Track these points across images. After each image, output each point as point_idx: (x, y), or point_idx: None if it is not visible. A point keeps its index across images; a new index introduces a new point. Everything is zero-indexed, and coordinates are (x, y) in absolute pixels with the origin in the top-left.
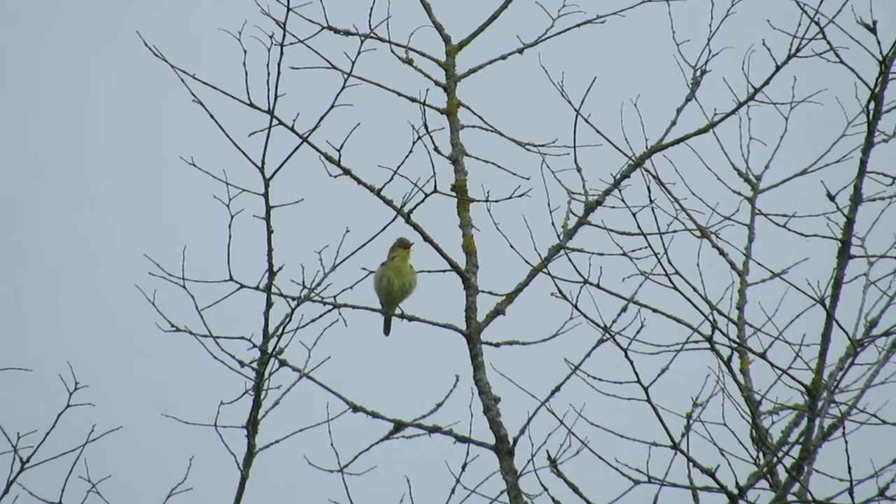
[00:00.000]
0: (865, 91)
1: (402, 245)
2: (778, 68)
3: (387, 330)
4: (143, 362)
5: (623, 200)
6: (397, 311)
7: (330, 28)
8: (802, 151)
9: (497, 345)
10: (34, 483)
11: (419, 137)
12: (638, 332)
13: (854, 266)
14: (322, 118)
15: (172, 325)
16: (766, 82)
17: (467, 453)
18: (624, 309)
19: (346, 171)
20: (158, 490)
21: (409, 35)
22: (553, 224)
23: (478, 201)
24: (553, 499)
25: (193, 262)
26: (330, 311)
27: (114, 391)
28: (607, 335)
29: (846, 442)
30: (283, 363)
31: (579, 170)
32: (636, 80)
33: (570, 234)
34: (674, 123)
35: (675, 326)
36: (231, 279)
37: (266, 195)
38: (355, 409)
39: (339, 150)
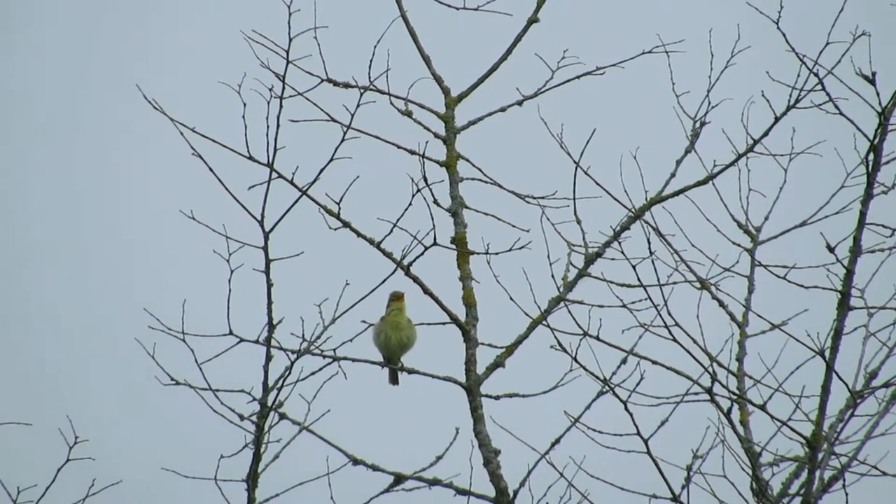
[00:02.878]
0: (864, 142)
1: (394, 297)
2: (777, 119)
3: (393, 380)
4: (143, 416)
5: (623, 252)
6: (398, 365)
7: (329, 80)
8: (802, 203)
9: (497, 397)
10: None
11: (419, 190)
12: (638, 384)
13: (854, 317)
14: (321, 171)
15: (172, 379)
16: (766, 134)
17: None
18: (624, 361)
19: (346, 224)
20: None
21: (409, 87)
22: (553, 276)
23: (477, 254)
24: None
25: (193, 315)
26: (330, 363)
27: (114, 445)
28: (607, 387)
29: (846, 494)
30: (282, 416)
31: (579, 222)
32: (635, 132)
33: (570, 286)
34: (673, 175)
35: (674, 378)
36: (231, 333)
37: (265, 248)
38: (355, 462)
39: (338, 203)
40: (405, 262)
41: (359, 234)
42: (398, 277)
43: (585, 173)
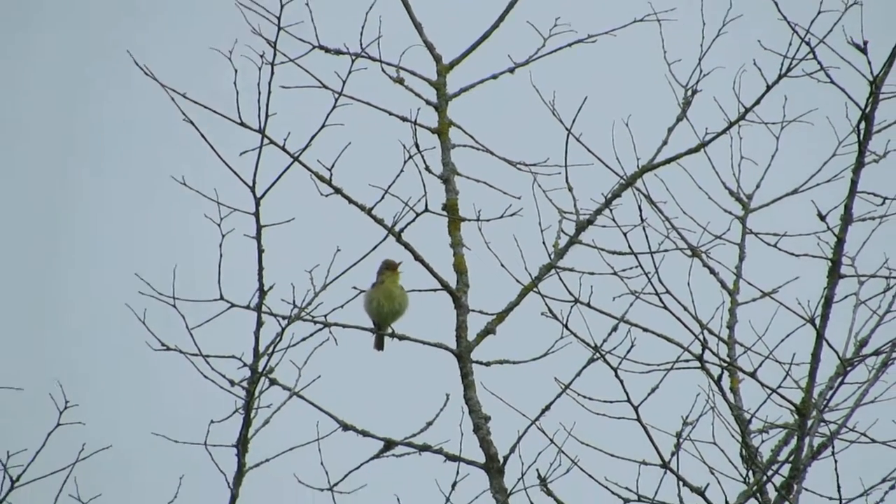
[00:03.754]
0: (856, 111)
1: (389, 267)
2: (769, 88)
3: (379, 345)
4: (134, 381)
5: (614, 220)
6: (388, 331)
7: (321, 47)
8: (793, 171)
9: (487, 364)
10: (24, 502)
11: (410, 157)
12: (628, 351)
13: (844, 285)
14: (313, 137)
15: (163, 345)
16: (757, 102)
17: (457, 472)
18: (614, 328)
19: (337, 190)
20: None
21: (401, 54)
22: (544, 243)
23: (469, 220)
24: None
25: (184, 281)
26: (320, 330)
27: (104, 410)
28: (598, 354)
29: (836, 461)
30: (273, 382)
31: (570, 189)
32: (627, 100)
33: (561, 253)
34: (665, 143)
35: (665, 345)
36: (222, 298)
37: (257, 214)
38: (345, 427)
39: (330, 170)
40: (396, 228)
41: (350, 201)
42: (389, 244)
43: (577, 140)
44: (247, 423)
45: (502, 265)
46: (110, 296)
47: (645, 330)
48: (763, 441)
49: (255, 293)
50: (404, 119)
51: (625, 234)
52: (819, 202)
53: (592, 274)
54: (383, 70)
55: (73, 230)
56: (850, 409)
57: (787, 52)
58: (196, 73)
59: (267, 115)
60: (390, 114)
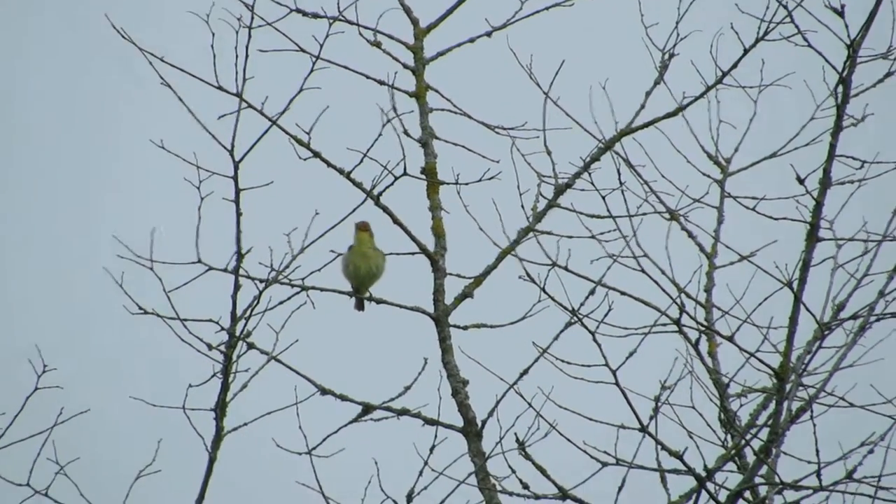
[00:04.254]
0: (834, 75)
1: (359, 227)
2: (746, 52)
3: (360, 306)
4: (111, 345)
5: (592, 183)
6: (366, 295)
7: (298, 11)
8: (772, 135)
9: (465, 328)
10: (2, 465)
11: (388, 120)
12: (606, 315)
13: (822, 249)
14: (291, 101)
15: (140, 308)
16: (735, 65)
17: (435, 436)
18: (592, 292)
19: (316, 154)
20: (127, 472)
21: (378, 18)
22: (522, 207)
23: (447, 184)
24: (521, 481)
25: (162, 244)
26: (298, 293)
27: (82, 374)
28: (575, 318)
29: (814, 425)
30: (251, 346)
31: (549, 153)
32: (605, 64)
33: (540, 216)
34: (643, 107)
35: (643, 309)
36: (199, 261)
37: (235, 178)
38: (323, 391)
39: (308, 133)
40: (375, 192)
41: (329, 164)
42: (368, 207)
43: (555, 104)
44: (225, 387)
45: (480, 228)
46: (87, 259)
47: (623, 294)
48: (741, 405)
49: (232, 256)
50: (382, 83)
51: (603, 198)
52: (798, 166)
53: (570, 237)
54: (360, 34)
55: (50, 192)
56: (829, 373)
57: (765, 15)
58: (173, 36)
59: (244, 79)
60: (368, 77)
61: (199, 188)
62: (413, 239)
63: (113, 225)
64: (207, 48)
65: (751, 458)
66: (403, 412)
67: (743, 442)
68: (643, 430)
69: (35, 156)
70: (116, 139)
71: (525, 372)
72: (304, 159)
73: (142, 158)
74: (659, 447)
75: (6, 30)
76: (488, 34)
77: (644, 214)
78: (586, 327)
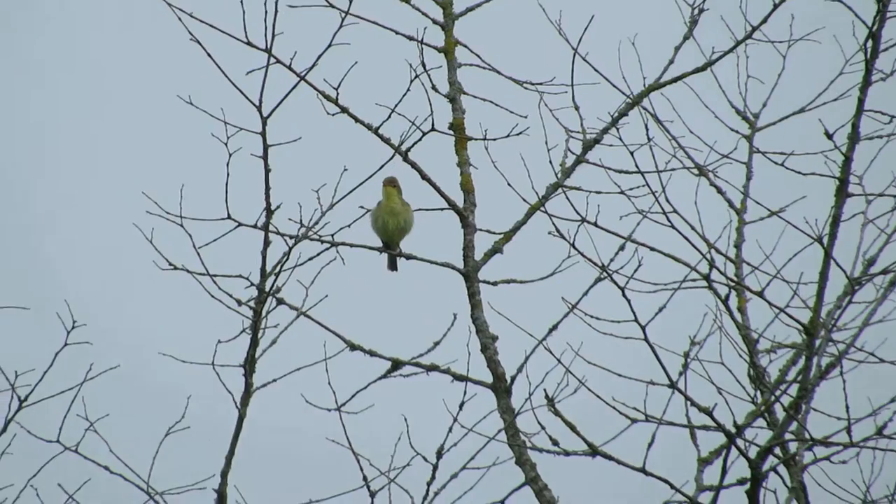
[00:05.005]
0: (863, 29)
1: (385, 182)
2: (776, 6)
3: (392, 266)
4: (141, 301)
5: (621, 139)
6: (396, 251)
7: None
8: (800, 90)
9: (494, 283)
10: (32, 422)
11: (417, 76)
12: (635, 270)
13: (852, 204)
14: (319, 57)
15: (170, 264)
16: (764, 20)
17: (465, 392)
18: (621, 247)
19: (344, 110)
20: (156, 428)
21: None
22: (551, 162)
23: (476, 140)
24: (550, 437)
25: (191, 200)
26: (327, 249)
27: (111, 330)
28: (605, 274)
29: (844, 381)
30: (280, 302)
31: (577, 108)
32: (634, 19)
33: (568, 172)
34: (671, 62)
35: (672, 265)
36: (229, 217)
37: (263, 134)
38: (353, 347)
39: (336, 89)
40: (403, 147)
41: (357, 120)
42: (396, 163)
43: (584, 59)
44: (254, 342)
45: (509, 184)
46: (117, 215)
47: (652, 249)
48: (771, 361)
49: (262, 212)
50: (411, 38)
51: (631, 154)
52: (826, 121)
53: (599, 193)
54: None
55: (80, 150)
56: (859, 329)
57: None
58: None
59: (273, 35)
60: (397, 33)
61: (227, 144)
62: (442, 195)
63: (142, 181)
64: (236, 3)
65: (780, 414)
66: (432, 368)
67: (772, 398)
68: (672, 386)
69: (61, 111)
70: (144, 95)
71: (554, 328)
72: (333, 115)
73: (170, 114)
74: (688, 403)
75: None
76: None
77: (673, 170)
78: (616, 283)
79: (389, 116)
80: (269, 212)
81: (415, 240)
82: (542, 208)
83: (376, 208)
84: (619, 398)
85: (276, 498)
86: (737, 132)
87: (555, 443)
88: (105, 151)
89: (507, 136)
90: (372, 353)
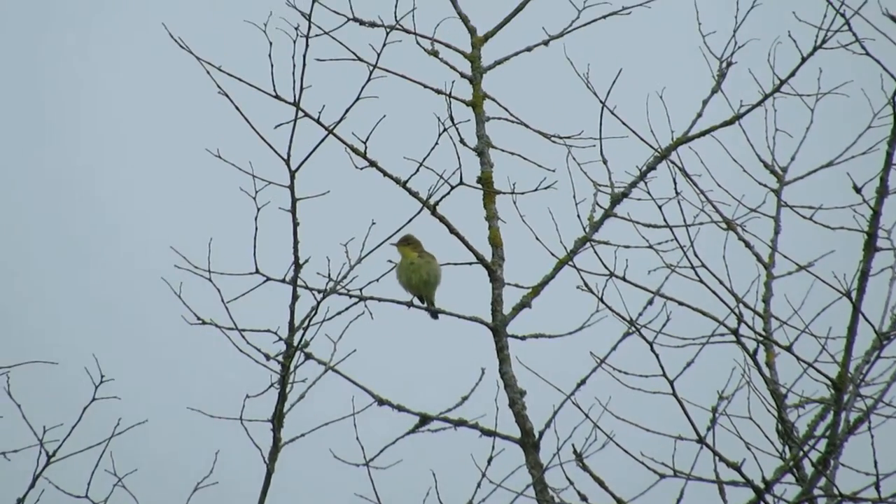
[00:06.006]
0: (891, 82)
1: (399, 244)
2: (804, 60)
3: (433, 314)
4: (169, 355)
5: (649, 193)
6: (430, 306)
7: (355, 20)
8: (828, 143)
9: (523, 338)
10: (60, 477)
11: (445, 129)
12: (664, 325)
13: (880, 258)
14: (348, 110)
15: (198, 318)
16: (792, 74)
17: (493, 447)
18: (650, 302)
19: (372, 163)
20: (184, 484)
21: (435, 27)
22: (579, 216)
23: (504, 193)
24: (579, 493)
25: (219, 254)
26: (356, 303)
27: (139, 384)
28: (633, 328)
29: (872, 436)
30: (308, 356)
31: (605, 162)
32: (662, 72)
33: (596, 226)
34: (699, 115)
35: (700, 319)
36: (257, 272)
37: (292, 187)
38: (381, 402)
39: (364, 143)
40: (431, 201)
41: (385, 174)
42: (424, 217)
43: (612, 113)
44: (282, 397)
45: (537, 238)
46: (146, 269)
47: (680, 304)
48: (799, 416)
49: (290, 267)
50: (439, 92)
51: (660, 207)
52: (854, 175)
53: (627, 247)
54: (418, 42)
55: (109, 204)
56: (887, 384)
57: (822, 23)
58: (231, 45)
59: (302, 88)
60: (425, 86)
61: (255, 198)
62: (470, 249)
63: (171, 235)
64: (265, 57)
65: (809, 469)
66: (461, 423)
67: (801, 453)
68: (701, 441)
69: (93, 166)
70: (173, 149)
71: (582, 382)
72: (361, 168)
73: (199, 168)
74: (717, 458)
75: (81, 38)
76: (545, 43)
77: (701, 224)
78: (644, 337)
79: (418, 170)
80: (298, 266)
81: (443, 294)
82: (571, 262)
83: (398, 267)
84: (647, 453)
85: None
86: (765, 186)
87: (583, 498)
88: (133, 205)
89: (536, 189)
90: (400, 408)
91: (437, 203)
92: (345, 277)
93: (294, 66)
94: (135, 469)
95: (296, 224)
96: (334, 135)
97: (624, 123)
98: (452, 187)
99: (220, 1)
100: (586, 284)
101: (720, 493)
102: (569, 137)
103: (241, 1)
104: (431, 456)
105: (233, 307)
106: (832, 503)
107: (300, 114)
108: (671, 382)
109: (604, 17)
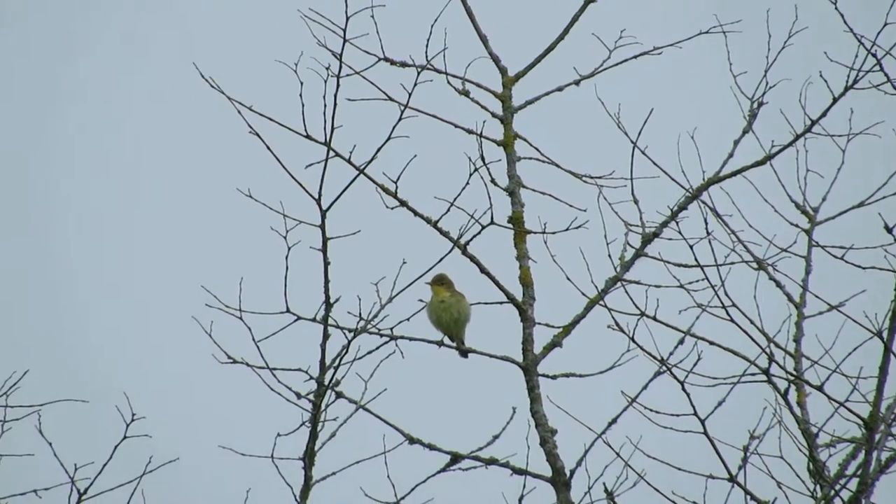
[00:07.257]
0: None
1: (431, 283)
2: (835, 100)
3: (462, 353)
4: (200, 394)
5: (680, 232)
6: (461, 346)
7: (386, 59)
8: (860, 183)
9: (554, 377)
10: None
11: (476, 169)
12: (695, 364)
13: None
14: (379, 150)
15: (229, 357)
16: (824, 114)
17: (524, 486)
18: (681, 341)
19: (403, 203)
20: None
21: (466, 66)
22: (610, 256)
23: (534, 233)
24: None
25: (250, 293)
26: (387, 342)
27: (171, 423)
28: (664, 367)
29: None
30: (339, 395)
31: (636, 201)
32: (693, 112)
33: (627, 265)
34: (731, 155)
35: (732, 359)
36: (288, 311)
37: (323, 227)
38: (412, 441)
39: (395, 182)
40: (462, 241)
41: (416, 213)
42: (455, 257)
43: (643, 153)
44: (313, 435)
45: (568, 278)
46: (177, 308)
47: (711, 343)
48: (830, 455)
49: (321, 306)
50: (470, 131)
51: (691, 247)
52: (886, 215)
53: (658, 287)
54: (449, 82)
55: (140, 242)
56: None
57: (854, 63)
58: (262, 85)
59: (333, 128)
60: (456, 126)
61: (286, 237)
62: (501, 288)
63: (202, 274)
64: (296, 97)
65: None
66: (492, 462)
67: (832, 492)
68: (732, 479)
69: (123, 206)
70: (204, 188)
71: (613, 421)
72: (392, 208)
73: (230, 207)
74: (748, 497)
75: (111, 75)
76: (576, 83)
77: (732, 264)
78: (675, 377)
79: (448, 210)
80: (329, 305)
81: (474, 333)
82: (602, 302)
83: (430, 302)
84: (678, 492)
85: None
86: (796, 226)
87: None
88: (165, 244)
89: (567, 229)
90: (431, 447)
91: (467, 243)
92: (375, 316)
93: (325, 105)
94: None
95: (326, 263)
96: (365, 174)
97: (655, 163)
98: (483, 227)
99: (251, 41)
100: (617, 324)
101: None
102: (600, 177)
103: (272, 41)
104: (462, 495)
105: (264, 346)
106: None
107: (331, 153)
108: (702, 421)
109: (635, 56)
